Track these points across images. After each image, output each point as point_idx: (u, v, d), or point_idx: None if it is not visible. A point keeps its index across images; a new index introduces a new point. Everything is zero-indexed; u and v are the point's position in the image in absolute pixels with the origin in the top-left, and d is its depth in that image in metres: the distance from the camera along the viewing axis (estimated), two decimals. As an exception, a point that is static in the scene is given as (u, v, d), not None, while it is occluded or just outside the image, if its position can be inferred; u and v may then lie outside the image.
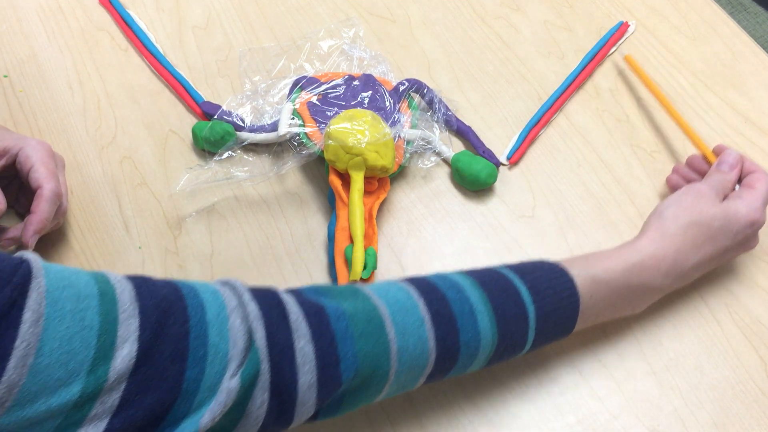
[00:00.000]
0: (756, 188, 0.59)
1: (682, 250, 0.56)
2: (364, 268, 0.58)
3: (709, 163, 0.64)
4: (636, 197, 0.69)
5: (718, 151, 0.64)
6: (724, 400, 0.59)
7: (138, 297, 0.41)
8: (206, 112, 0.72)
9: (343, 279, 0.59)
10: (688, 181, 0.65)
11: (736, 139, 0.72)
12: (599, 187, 0.69)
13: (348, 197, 0.63)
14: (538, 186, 0.70)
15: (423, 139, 0.68)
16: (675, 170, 0.67)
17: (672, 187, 0.66)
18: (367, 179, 0.64)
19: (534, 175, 0.70)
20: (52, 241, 0.66)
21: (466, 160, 0.68)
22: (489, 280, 0.52)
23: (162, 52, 0.77)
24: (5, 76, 0.76)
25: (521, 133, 0.72)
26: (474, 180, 0.67)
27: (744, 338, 0.62)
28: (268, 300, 0.45)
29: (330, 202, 0.67)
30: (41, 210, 0.59)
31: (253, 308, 0.44)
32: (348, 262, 0.60)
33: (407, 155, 0.68)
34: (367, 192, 0.65)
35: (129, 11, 0.80)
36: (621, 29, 0.79)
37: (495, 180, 0.68)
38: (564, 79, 0.75)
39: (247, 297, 0.44)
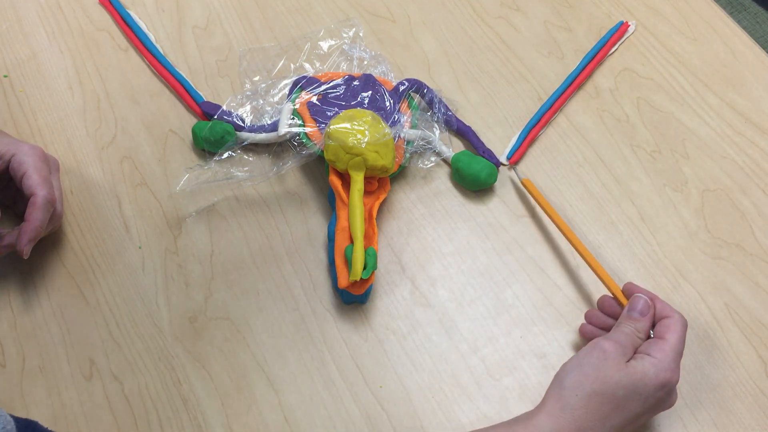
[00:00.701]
0: (667, 339, 0.53)
1: (584, 425, 0.50)
2: (364, 268, 0.58)
3: (621, 305, 0.58)
4: (636, 197, 0.69)
5: (628, 292, 0.58)
6: (724, 400, 0.59)
7: None
8: (206, 112, 0.72)
9: (343, 279, 0.59)
10: (603, 328, 0.59)
11: (736, 139, 0.72)
12: (599, 187, 0.69)
13: (348, 197, 0.63)
14: (538, 186, 0.70)
15: (423, 139, 0.68)
16: (587, 317, 0.60)
17: (587, 339, 0.59)
18: (367, 179, 0.64)
19: (534, 175, 0.70)
20: (52, 241, 0.66)
21: (466, 160, 0.68)
22: None
23: (162, 52, 0.77)
24: (5, 76, 0.76)
25: (521, 133, 0.72)
26: (474, 180, 0.67)
27: (744, 338, 0.62)
28: None
29: (330, 202, 0.67)
30: (34, 218, 0.59)
31: None
32: (348, 262, 0.60)
33: (407, 155, 0.68)
34: (367, 192, 0.65)
35: (129, 11, 0.80)
36: (621, 29, 0.79)
37: (495, 180, 0.68)
38: (564, 79, 0.75)
39: None
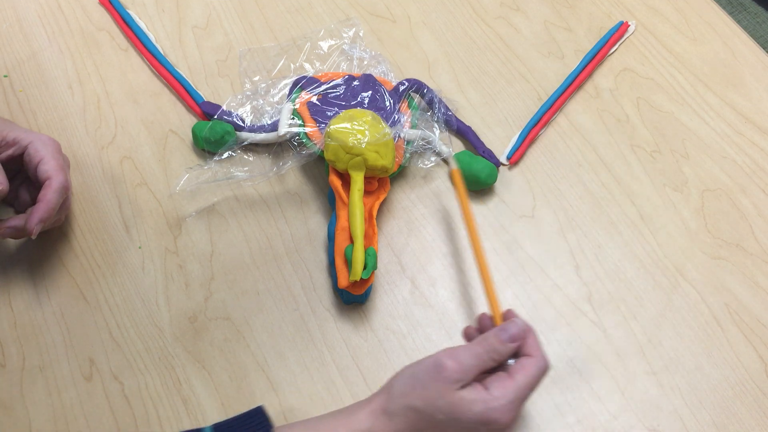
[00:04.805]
0: (515, 379, 0.49)
1: None
2: (364, 268, 0.58)
3: (495, 326, 0.54)
4: (636, 197, 0.69)
5: (507, 316, 0.55)
6: (724, 400, 0.59)
7: None
8: (206, 112, 0.72)
9: (343, 279, 0.59)
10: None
11: (736, 139, 0.72)
12: (599, 187, 0.69)
13: (348, 197, 0.63)
14: (538, 186, 0.70)
15: (423, 139, 0.68)
16: (465, 332, 0.57)
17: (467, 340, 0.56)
18: (367, 179, 0.64)
19: (534, 175, 0.70)
20: (52, 240, 0.66)
21: (466, 160, 0.68)
22: None
23: (162, 52, 0.77)
24: (5, 76, 0.76)
25: (521, 133, 0.72)
26: (474, 180, 0.67)
27: (744, 338, 0.62)
28: None
29: (330, 202, 0.67)
30: (48, 199, 0.59)
31: None
32: (348, 262, 0.60)
33: (407, 155, 0.68)
34: (367, 192, 0.65)
35: (129, 11, 0.80)
36: (621, 29, 0.79)
37: (495, 180, 0.68)
38: (564, 79, 0.75)
39: None
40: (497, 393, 0.49)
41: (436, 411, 0.49)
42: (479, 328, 0.56)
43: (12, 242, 0.66)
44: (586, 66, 0.76)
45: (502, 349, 0.51)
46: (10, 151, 0.62)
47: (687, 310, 0.63)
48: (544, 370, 0.51)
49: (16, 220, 0.60)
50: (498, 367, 0.51)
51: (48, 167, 0.60)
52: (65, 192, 0.61)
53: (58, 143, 0.63)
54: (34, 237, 0.59)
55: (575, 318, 0.63)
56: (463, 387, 0.49)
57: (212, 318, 0.63)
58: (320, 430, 0.51)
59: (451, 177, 0.64)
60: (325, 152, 0.64)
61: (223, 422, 0.52)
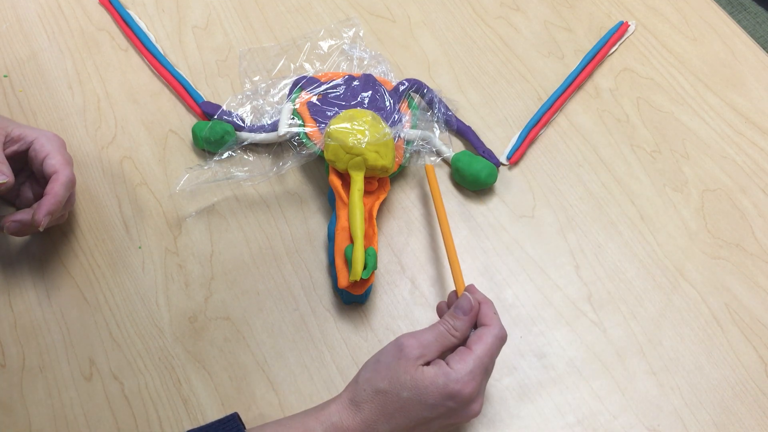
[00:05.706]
0: (472, 350, 0.51)
1: (369, 419, 0.50)
2: (364, 268, 0.58)
3: None
4: (636, 197, 0.69)
5: (470, 292, 0.55)
6: (724, 400, 0.59)
7: None
8: (206, 112, 0.72)
9: (343, 279, 0.59)
10: None
11: (736, 139, 0.72)
12: (599, 187, 0.69)
13: (348, 197, 0.63)
14: (538, 186, 0.70)
15: (423, 139, 0.68)
16: (438, 308, 0.58)
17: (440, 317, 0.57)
18: (367, 179, 0.64)
19: (534, 175, 0.70)
20: (53, 240, 0.66)
21: (466, 160, 0.68)
22: None
23: (162, 52, 0.77)
24: (5, 76, 0.76)
25: (521, 133, 0.72)
26: (474, 180, 0.67)
27: (744, 338, 0.62)
28: None
29: (330, 202, 0.67)
30: (56, 192, 0.60)
31: None
32: (348, 262, 0.60)
33: (407, 155, 0.68)
34: (367, 192, 0.65)
35: (129, 11, 0.80)
36: (621, 29, 0.79)
37: (495, 180, 0.68)
38: (564, 79, 0.75)
39: None
40: (457, 366, 0.50)
41: (401, 388, 0.50)
42: (448, 304, 0.58)
43: (12, 242, 0.66)
44: (586, 66, 0.76)
45: (458, 323, 0.53)
46: (15, 147, 0.62)
47: (687, 310, 0.63)
48: (500, 337, 0.52)
49: (23, 214, 0.60)
50: (463, 345, 0.53)
51: (55, 161, 0.61)
52: (72, 186, 0.62)
53: (63, 140, 0.64)
54: (41, 229, 0.60)
55: (575, 318, 0.63)
56: (427, 364, 0.51)
57: (212, 318, 0.63)
58: (291, 428, 0.52)
59: (426, 170, 0.66)
60: (325, 152, 0.64)
61: (196, 429, 0.52)
